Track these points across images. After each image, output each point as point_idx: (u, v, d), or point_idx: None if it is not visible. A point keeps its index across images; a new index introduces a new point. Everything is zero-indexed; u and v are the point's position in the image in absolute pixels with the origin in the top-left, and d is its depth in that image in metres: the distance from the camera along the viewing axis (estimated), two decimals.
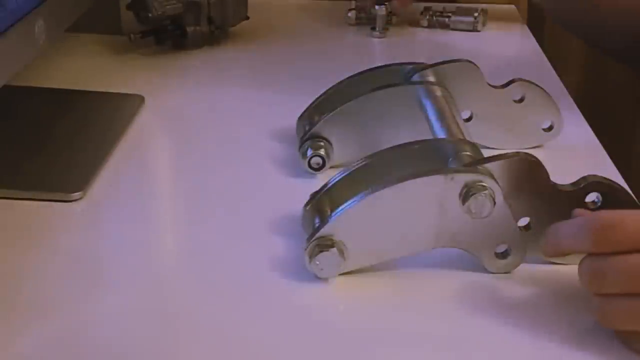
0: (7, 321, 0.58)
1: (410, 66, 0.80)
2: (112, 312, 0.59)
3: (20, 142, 0.80)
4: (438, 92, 0.75)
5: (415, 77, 0.79)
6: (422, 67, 0.79)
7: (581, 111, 0.88)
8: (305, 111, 0.81)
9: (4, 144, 0.79)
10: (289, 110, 0.83)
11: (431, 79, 0.78)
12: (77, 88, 0.92)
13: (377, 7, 1.11)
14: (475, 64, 0.78)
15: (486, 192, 0.60)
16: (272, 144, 0.82)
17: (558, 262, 0.64)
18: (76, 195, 0.72)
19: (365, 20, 1.15)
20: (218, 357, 0.56)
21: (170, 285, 0.63)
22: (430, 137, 0.70)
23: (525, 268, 0.64)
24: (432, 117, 0.72)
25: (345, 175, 0.66)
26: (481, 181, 0.60)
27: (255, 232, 0.68)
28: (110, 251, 0.66)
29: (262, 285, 0.62)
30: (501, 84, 0.79)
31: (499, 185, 0.61)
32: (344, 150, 0.76)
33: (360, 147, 0.74)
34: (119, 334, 0.57)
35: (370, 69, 0.82)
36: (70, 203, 0.71)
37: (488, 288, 0.63)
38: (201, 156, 0.81)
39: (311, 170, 0.76)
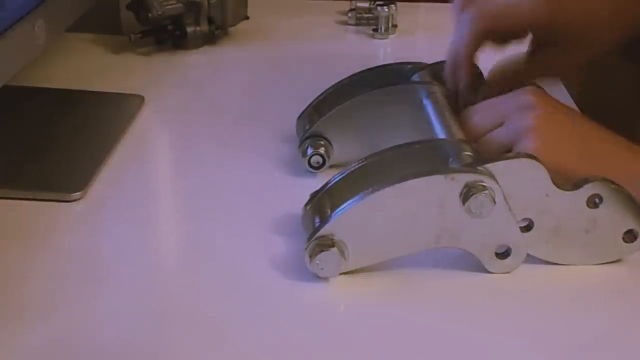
0: (7, 321, 0.58)
1: (410, 66, 0.80)
2: (111, 311, 0.59)
3: (20, 142, 0.80)
4: (438, 91, 0.75)
5: (415, 77, 0.79)
6: (421, 67, 0.79)
7: (582, 112, 0.88)
8: (305, 110, 0.81)
9: (4, 144, 0.79)
10: (288, 109, 0.83)
11: (431, 78, 0.78)
12: (77, 88, 0.92)
13: (379, 8, 1.11)
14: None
15: (486, 192, 0.60)
16: (272, 143, 0.82)
17: (558, 262, 0.64)
18: (76, 195, 0.72)
19: (365, 21, 1.15)
20: (218, 356, 0.56)
21: (170, 285, 0.63)
22: (430, 136, 0.70)
23: (525, 268, 0.64)
24: (432, 116, 0.72)
25: (346, 175, 0.66)
26: (481, 181, 0.60)
27: (256, 231, 0.68)
28: (110, 251, 0.66)
29: (263, 285, 0.62)
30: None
31: (499, 185, 0.61)
32: (344, 149, 0.76)
33: (360, 146, 0.74)
34: (119, 333, 0.57)
35: (370, 69, 0.81)
36: (70, 203, 0.71)
37: (488, 288, 0.63)
38: (201, 156, 0.81)
39: (311, 169, 0.76)
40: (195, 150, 0.82)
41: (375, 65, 0.82)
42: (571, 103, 0.90)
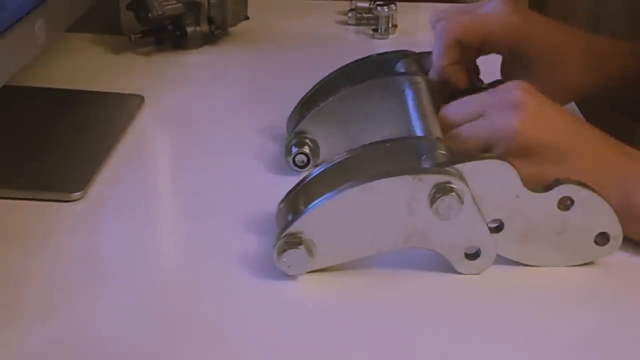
0: (7, 321, 0.58)
1: (394, 55, 0.80)
2: (111, 311, 0.59)
3: (20, 142, 0.80)
4: (421, 82, 0.74)
5: (400, 65, 0.78)
6: (404, 55, 0.78)
7: (581, 112, 0.88)
8: (294, 109, 0.81)
9: (4, 144, 0.79)
10: (288, 110, 0.82)
11: (414, 67, 0.77)
12: (77, 88, 0.92)
13: (379, 8, 1.11)
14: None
15: (453, 193, 0.59)
16: (272, 143, 0.82)
17: (529, 264, 0.64)
18: (76, 195, 0.72)
19: (365, 21, 1.15)
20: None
21: (167, 285, 0.63)
22: (409, 132, 0.69)
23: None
24: (412, 111, 0.71)
25: (320, 173, 0.65)
26: (449, 182, 0.60)
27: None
28: (109, 251, 0.66)
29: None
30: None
31: (467, 187, 0.60)
32: (330, 147, 0.76)
33: (345, 142, 0.74)
34: (118, 333, 0.57)
35: (354, 62, 0.81)
36: (70, 203, 0.71)
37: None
38: (200, 156, 0.81)
39: (296, 168, 0.76)
40: (195, 150, 0.82)
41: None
42: (571, 104, 0.90)
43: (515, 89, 0.65)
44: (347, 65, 0.81)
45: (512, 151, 0.64)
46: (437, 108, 0.71)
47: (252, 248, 0.66)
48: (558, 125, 0.66)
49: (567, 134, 0.66)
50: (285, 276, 0.62)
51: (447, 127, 0.67)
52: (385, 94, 0.74)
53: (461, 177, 0.60)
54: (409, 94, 0.73)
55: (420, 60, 0.78)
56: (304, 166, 0.76)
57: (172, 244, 0.70)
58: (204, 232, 0.69)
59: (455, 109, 0.68)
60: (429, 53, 0.78)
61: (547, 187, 0.62)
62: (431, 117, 0.69)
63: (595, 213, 0.62)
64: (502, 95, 0.66)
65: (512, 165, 0.61)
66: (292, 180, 0.68)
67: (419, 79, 0.74)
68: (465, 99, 0.69)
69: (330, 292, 0.62)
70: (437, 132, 0.67)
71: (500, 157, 0.61)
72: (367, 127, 0.75)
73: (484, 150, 0.65)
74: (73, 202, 0.72)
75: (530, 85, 0.66)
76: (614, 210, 0.62)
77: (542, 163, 0.64)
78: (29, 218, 0.70)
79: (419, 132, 0.68)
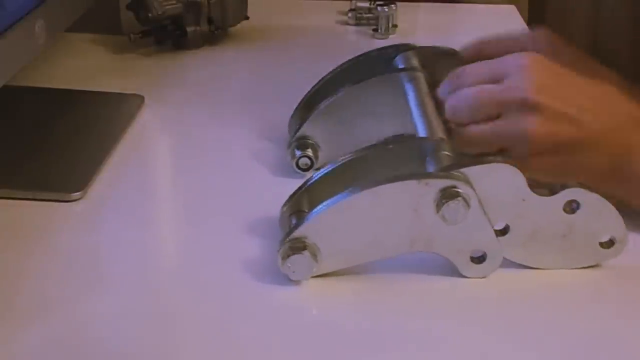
0: (7, 321, 0.58)
1: (392, 49, 0.79)
2: (111, 312, 0.59)
3: (20, 142, 0.80)
4: (421, 77, 0.73)
5: (399, 60, 0.77)
6: (404, 49, 0.78)
7: None
8: (294, 112, 0.80)
9: (4, 144, 0.79)
10: (288, 110, 0.82)
11: (414, 62, 0.77)
12: (77, 88, 0.92)
13: (379, 8, 1.11)
14: (455, 50, 0.77)
15: (459, 198, 0.59)
16: (272, 144, 0.82)
17: (535, 266, 0.64)
18: (76, 195, 0.72)
19: (365, 21, 1.15)
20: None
21: (167, 286, 0.63)
22: (411, 129, 0.69)
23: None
24: (413, 108, 0.70)
25: (322, 176, 0.65)
26: (455, 187, 0.59)
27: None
28: (109, 251, 0.66)
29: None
30: None
31: (474, 191, 0.60)
32: (332, 149, 0.75)
33: (347, 143, 0.73)
34: (118, 333, 0.57)
35: (352, 59, 0.80)
36: (70, 203, 0.71)
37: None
38: (200, 156, 0.81)
39: (300, 171, 0.76)
40: (195, 151, 0.82)
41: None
42: None
43: (523, 59, 0.65)
44: (345, 63, 0.80)
45: (532, 152, 0.64)
46: (437, 103, 0.70)
47: (255, 251, 0.66)
48: (574, 111, 0.64)
49: (584, 120, 0.64)
50: (289, 280, 0.62)
51: (458, 85, 0.67)
52: (384, 91, 0.74)
53: (467, 181, 0.60)
54: (409, 90, 0.72)
55: (419, 54, 0.77)
56: (307, 169, 0.76)
57: (172, 245, 0.70)
58: (205, 233, 0.69)
59: (469, 73, 0.68)
60: (429, 47, 0.78)
61: (553, 191, 0.62)
62: (432, 113, 0.69)
63: (601, 216, 0.62)
64: (513, 85, 0.65)
65: (519, 169, 0.61)
66: (293, 182, 0.68)
67: (419, 74, 0.74)
68: (468, 68, 0.68)
69: (334, 297, 0.61)
70: (439, 129, 0.67)
71: (506, 160, 0.61)
72: (367, 126, 0.74)
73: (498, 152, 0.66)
74: (73, 202, 0.72)
75: (539, 56, 0.66)
76: (608, 172, 0.64)
77: (562, 154, 0.64)
78: (29, 218, 0.70)
79: (420, 129, 0.67)
